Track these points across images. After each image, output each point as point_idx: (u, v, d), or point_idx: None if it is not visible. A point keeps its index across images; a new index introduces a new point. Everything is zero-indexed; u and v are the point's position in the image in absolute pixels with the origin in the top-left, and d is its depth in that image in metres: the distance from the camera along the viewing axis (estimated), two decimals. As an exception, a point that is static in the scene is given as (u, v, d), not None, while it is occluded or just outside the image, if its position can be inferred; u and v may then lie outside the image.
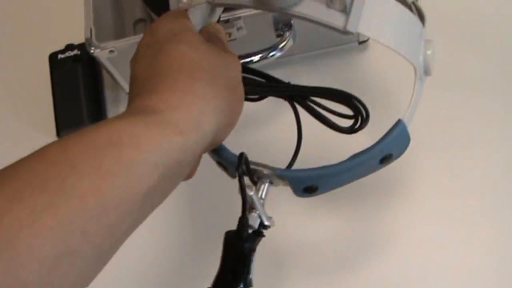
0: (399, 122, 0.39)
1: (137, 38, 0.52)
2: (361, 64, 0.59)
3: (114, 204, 0.27)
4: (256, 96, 0.44)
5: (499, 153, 0.53)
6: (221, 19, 0.45)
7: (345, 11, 0.34)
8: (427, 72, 0.39)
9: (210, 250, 0.38)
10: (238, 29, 0.50)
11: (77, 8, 0.55)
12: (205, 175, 0.39)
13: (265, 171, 0.38)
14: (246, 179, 0.38)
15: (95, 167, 0.26)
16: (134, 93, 0.34)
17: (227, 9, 0.49)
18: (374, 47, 0.59)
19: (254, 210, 0.37)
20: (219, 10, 0.43)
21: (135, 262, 0.53)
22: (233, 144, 0.39)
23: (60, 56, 0.60)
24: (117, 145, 0.28)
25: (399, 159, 0.40)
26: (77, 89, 0.59)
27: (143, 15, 0.62)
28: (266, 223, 0.37)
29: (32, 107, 0.63)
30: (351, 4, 0.33)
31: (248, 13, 0.50)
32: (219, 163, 0.41)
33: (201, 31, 0.39)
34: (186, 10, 0.39)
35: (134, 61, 0.37)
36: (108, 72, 0.56)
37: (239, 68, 0.38)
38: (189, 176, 0.36)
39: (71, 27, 0.57)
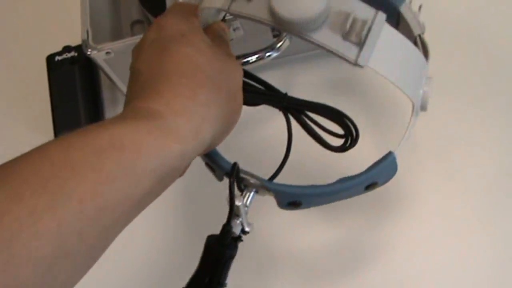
0: (389, 154, 0.39)
1: (133, 39, 0.52)
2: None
3: (111, 208, 0.27)
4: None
5: (499, 157, 0.53)
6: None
7: (359, 44, 0.34)
8: (423, 107, 0.40)
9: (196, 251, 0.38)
10: (234, 29, 0.50)
11: (74, 10, 0.55)
12: (194, 175, 0.39)
13: (252, 181, 0.38)
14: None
15: (96, 171, 0.27)
16: (136, 90, 0.34)
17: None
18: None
19: (237, 217, 0.37)
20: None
21: (129, 261, 0.54)
22: (225, 145, 0.39)
23: (58, 58, 0.60)
24: (119, 150, 0.28)
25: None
26: (75, 90, 0.59)
27: (140, 17, 0.62)
28: (246, 229, 0.38)
29: (29, 109, 0.64)
30: (365, 38, 0.34)
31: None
32: (208, 165, 0.41)
33: (206, 29, 0.39)
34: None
35: (137, 53, 0.36)
36: (105, 73, 0.56)
37: (241, 75, 0.38)
38: (179, 175, 0.36)
39: (68, 29, 0.57)
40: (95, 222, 0.26)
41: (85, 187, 0.26)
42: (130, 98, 0.34)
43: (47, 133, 0.58)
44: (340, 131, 0.42)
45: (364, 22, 0.34)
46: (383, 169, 0.40)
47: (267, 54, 0.50)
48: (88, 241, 0.26)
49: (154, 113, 0.31)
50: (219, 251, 0.36)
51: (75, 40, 0.56)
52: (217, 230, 0.38)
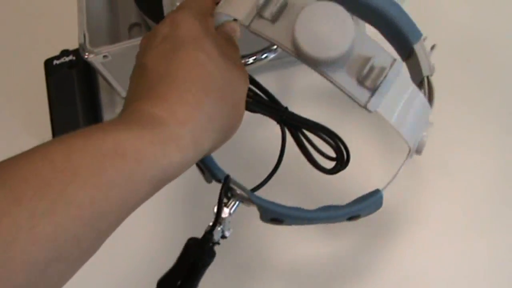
0: (377, 192, 0.40)
1: (130, 42, 0.52)
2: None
3: (108, 213, 0.27)
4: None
5: (499, 161, 0.53)
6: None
7: (372, 90, 0.34)
8: (418, 151, 0.40)
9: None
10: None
11: (72, 13, 0.55)
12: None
13: (239, 191, 0.39)
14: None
15: (96, 176, 0.27)
16: (141, 88, 0.33)
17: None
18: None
19: (220, 225, 0.38)
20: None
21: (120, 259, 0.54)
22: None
23: (56, 62, 0.59)
24: (121, 157, 0.28)
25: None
26: (73, 94, 0.58)
27: (138, 20, 0.61)
28: (226, 234, 0.38)
29: (28, 113, 0.63)
30: (379, 85, 0.34)
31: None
32: (199, 166, 0.41)
33: (218, 29, 0.38)
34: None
35: (146, 46, 0.36)
36: (103, 77, 0.55)
37: (247, 85, 0.38)
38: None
39: (66, 32, 0.56)
40: (91, 227, 0.27)
41: (84, 192, 0.26)
42: (134, 95, 0.33)
43: (45, 137, 0.56)
44: (332, 153, 0.42)
45: (382, 70, 0.34)
46: (368, 206, 0.40)
47: (264, 55, 0.50)
48: (83, 244, 0.26)
49: (158, 120, 0.31)
50: (199, 256, 0.36)
51: (73, 44, 0.56)
52: (198, 230, 0.38)
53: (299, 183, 0.52)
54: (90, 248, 0.27)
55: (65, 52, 0.60)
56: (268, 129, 0.45)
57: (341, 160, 0.41)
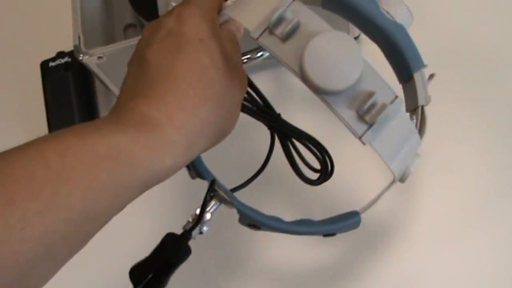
0: (355, 214, 0.40)
1: (125, 43, 0.52)
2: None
3: (98, 215, 0.28)
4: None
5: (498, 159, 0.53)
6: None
7: (370, 124, 0.34)
8: (401, 180, 0.40)
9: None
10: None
11: (67, 15, 0.55)
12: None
13: (221, 193, 0.39)
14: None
15: (90, 180, 0.27)
16: (140, 83, 0.33)
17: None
18: (366, 42, 0.59)
19: (200, 226, 0.38)
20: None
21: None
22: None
23: (51, 64, 0.59)
24: (115, 161, 0.28)
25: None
26: (69, 96, 0.58)
27: (133, 20, 0.61)
28: (203, 231, 0.39)
29: (24, 115, 0.63)
30: (375, 121, 0.34)
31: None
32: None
33: (222, 25, 0.38)
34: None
35: (149, 37, 0.35)
36: (99, 78, 0.55)
37: (245, 90, 0.38)
38: None
39: (62, 34, 0.56)
40: (80, 228, 0.27)
41: (76, 195, 0.26)
42: (131, 89, 0.33)
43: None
44: (317, 165, 0.43)
45: (383, 107, 0.34)
46: (344, 227, 0.41)
47: (258, 54, 0.50)
48: (71, 244, 0.27)
49: (154, 123, 0.30)
50: (174, 253, 0.36)
51: (69, 45, 0.56)
52: (175, 224, 0.38)
53: (286, 189, 0.53)
54: (77, 247, 0.28)
55: (60, 54, 0.60)
56: (260, 132, 0.46)
57: (325, 172, 0.42)
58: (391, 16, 0.39)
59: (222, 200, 0.39)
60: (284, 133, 0.44)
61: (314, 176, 0.43)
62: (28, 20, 0.71)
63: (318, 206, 0.51)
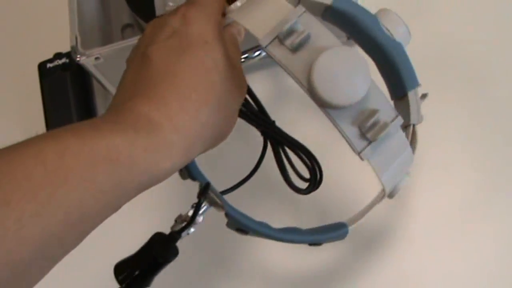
0: (343, 226, 0.41)
1: (122, 43, 0.51)
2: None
3: (94, 216, 0.28)
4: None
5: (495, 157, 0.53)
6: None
7: (370, 141, 0.35)
8: (390, 196, 0.41)
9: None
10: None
11: (65, 16, 0.55)
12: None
13: (213, 196, 0.39)
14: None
15: (87, 181, 0.27)
16: (141, 82, 0.32)
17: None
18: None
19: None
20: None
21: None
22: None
23: (49, 65, 0.59)
24: (114, 163, 0.28)
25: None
26: (67, 97, 0.58)
27: (130, 20, 0.61)
28: (190, 231, 0.38)
29: (23, 117, 0.63)
30: (377, 139, 0.35)
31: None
32: None
33: (224, 29, 0.38)
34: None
35: (154, 34, 0.34)
36: (96, 79, 0.55)
37: (245, 95, 0.38)
38: None
39: (60, 35, 0.57)
40: (76, 228, 0.27)
41: (73, 197, 0.26)
42: (132, 87, 0.32)
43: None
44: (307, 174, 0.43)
45: (385, 125, 0.35)
46: (331, 238, 0.42)
47: (255, 53, 0.49)
48: (66, 244, 0.27)
49: (154, 125, 0.30)
50: (162, 253, 0.36)
51: (67, 46, 0.56)
52: (164, 224, 0.38)
53: (276, 196, 0.53)
54: (72, 246, 0.28)
55: (58, 55, 0.60)
56: (253, 137, 0.46)
57: (314, 182, 0.42)
58: (390, 34, 0.40)
59: (212, 203, 0.39)
60: (277, 140, 0.44)
61: (303, 185, 0.44)
62: (26, 22, 0.70)
63: (308, 214, 0.51)
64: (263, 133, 0.44)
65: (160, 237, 0.37)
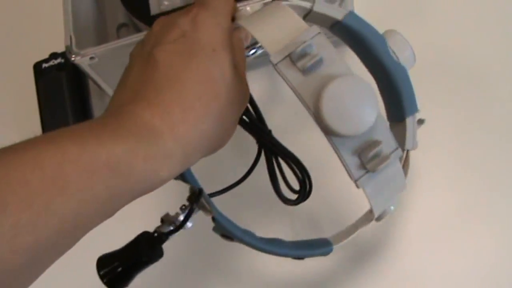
0: (328, 245, 0.42)
1: (117, 43, 0.51)
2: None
3: (88, 224, 0.28)
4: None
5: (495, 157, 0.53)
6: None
7: (369, 171, 0.35)
8: (377, 220, 0.41)
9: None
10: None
11: (60, 16, 0.55)
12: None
13: (204, 201, 0.39)
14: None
15: (84, 191, 0.27)
16: (146, 84, 0.32)
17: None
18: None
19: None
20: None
21: None
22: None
23: (44, 65, 0.58)
24: (112, 172, 0.27)
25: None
26: (62, 97, 0.58)
27: (125, 20, 0.61)
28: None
29: (18, 117, 0.62)
30: (375, 171, 0.35)
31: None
32: None
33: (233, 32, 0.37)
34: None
35: (161, 34, 0.33)
36: (92, 79, 0.55)
37: (246, 104, 0.38)
38: None
39: (55, 35, 0.56)
40: (70, 235, 0.27)
41: (70, 205, 0.26)
42: (134, 90, 0.32)
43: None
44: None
45: (385, 158, 0.35)
46: (314, 254, 0.42)
47: (251, 51, 0.49)
48: (60, 250, 0.27)
49: (155, 133, 0.30)
50: (147, 254, 0.36)
51: (62, 46, 0.56)
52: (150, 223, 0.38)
53: (267, 203, 0.52)
54: (64, 251, 0.28)
55: (54, 55, 0.60)
56: (250, 142, 0.45)
57: (303, 194, 0.43)
58: (396, 57, 0.40)
59: (201, 207, 0.39)
60: (271, 150, 0.44)
61: (292, 195, 0.44)
62: (21, 22, 0.69)
63: (296, 224, 0.52)
64: (258, 141, 0.44)
65: (147, 236, 0.37)
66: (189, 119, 0.31)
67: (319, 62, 0.33)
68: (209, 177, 0.42)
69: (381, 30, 0.40)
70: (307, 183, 0.42)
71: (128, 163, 0.28)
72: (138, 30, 0.58)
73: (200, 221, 0.38)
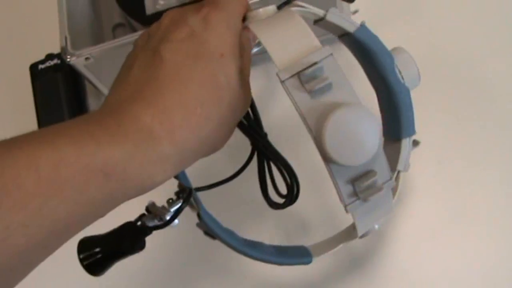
0: (308, 256, 0.42)
1: (112, 43, 0.51)
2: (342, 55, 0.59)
3: (79, 224, 0.28)
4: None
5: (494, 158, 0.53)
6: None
7: (361, 200, 0.35)
8: (362, 237, 0.41)
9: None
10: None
11: (56, 17, 0.55)
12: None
13: (192, 200, 0.39)
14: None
15: (79, 193, 0.26)
16: (149, 83, 0.31)
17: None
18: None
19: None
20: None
21: None
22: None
23: (41, 66, 0.58)
24: (107, 177, 0.27)
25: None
26: (59, 98, 0.57)
27: (121, 20, 0.61)
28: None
29: (15, 119, 0.62)
30: (367, 200, 0.35)
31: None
32: None
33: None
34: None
35: (170, 30, 0.32)
36: (88, 79, 0.55)
37: (247, 110, 0.38)
38: None
39: (51, 36, 0.56)
40: (62, 236, 0.27)
41: (63, 208, 0.26)
42: (136, 88, 0.31)
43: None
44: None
45: (378, 189, 0.34)
46: (293, 263, 0.42)
47: (254, 49, 0.49)
48: (50, 251, 0.27)
49: (153, 138, 0.29)
50: (129, 243, 0.36)
51: (58, 47, 0.56)
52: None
53: (255, 204, 0.52)
54: (54, 250, 0.28)
55: (50, 56, 0.59)
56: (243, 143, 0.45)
57: (289, 199, 0.43)
58: (402, 77, 0.39)
59: (190, 205, 0.39)
60: (264, 154, 0.44)
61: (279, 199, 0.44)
62: (17, 23, 0.69)
63: (281, 227, 0.51)
64: (252, 144, 0.44)
65: (131, 227, 0.36)
66: (189, 125, 0.30)
67: (328, 86, 0.33)
68: (199, 174, 0.42)
69: (380, 30, 0.39)
70: (294, 188, 0.42)
71: (124, 168, 0.28)
72: (134, 30, 0.58)
73: (186, 215, 0.38)
